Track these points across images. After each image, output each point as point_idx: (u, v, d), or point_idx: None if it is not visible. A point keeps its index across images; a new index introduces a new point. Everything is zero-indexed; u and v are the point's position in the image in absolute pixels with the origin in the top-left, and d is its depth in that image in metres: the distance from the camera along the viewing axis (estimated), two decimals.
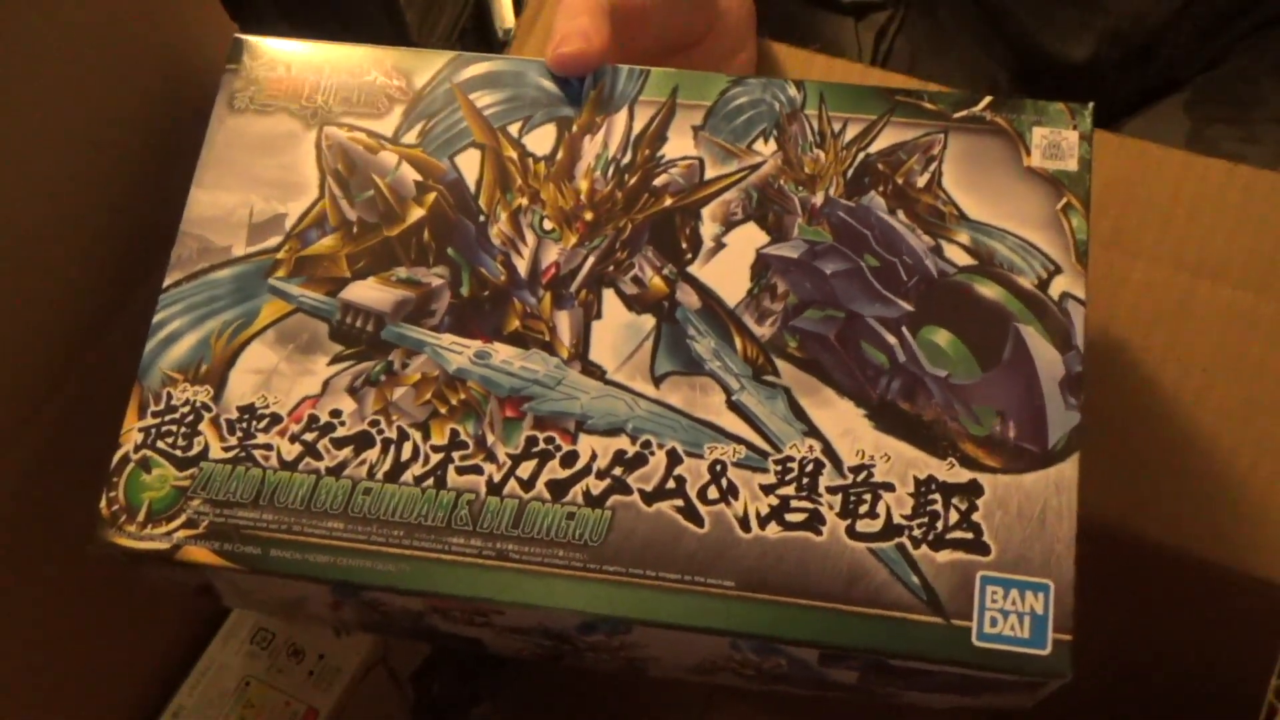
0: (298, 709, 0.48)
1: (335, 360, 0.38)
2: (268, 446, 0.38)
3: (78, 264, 0.44)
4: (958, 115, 0.40)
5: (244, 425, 0.38)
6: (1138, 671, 0.52)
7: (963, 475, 0.36)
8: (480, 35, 1.30)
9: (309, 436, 0.38)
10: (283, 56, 0.43)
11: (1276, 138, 0.62)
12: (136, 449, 0.38)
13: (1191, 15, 0.64)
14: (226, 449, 0.38)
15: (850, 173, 0.39)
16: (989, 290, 0.37)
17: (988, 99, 0.40)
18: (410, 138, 0.41)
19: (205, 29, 0.46)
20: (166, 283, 0.40)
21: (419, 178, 0.40)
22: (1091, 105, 0.39)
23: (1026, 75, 0.68)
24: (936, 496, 0.35)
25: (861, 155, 0.39)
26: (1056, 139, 0.39)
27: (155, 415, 0.38)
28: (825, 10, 0.69)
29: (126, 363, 0.41)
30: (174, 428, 0.38)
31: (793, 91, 0.41)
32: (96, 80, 0.42)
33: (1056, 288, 0.37)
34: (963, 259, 0.38)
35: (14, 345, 0.41)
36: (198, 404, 0.38)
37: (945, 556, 0.35)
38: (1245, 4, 0.64)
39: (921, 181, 0.39)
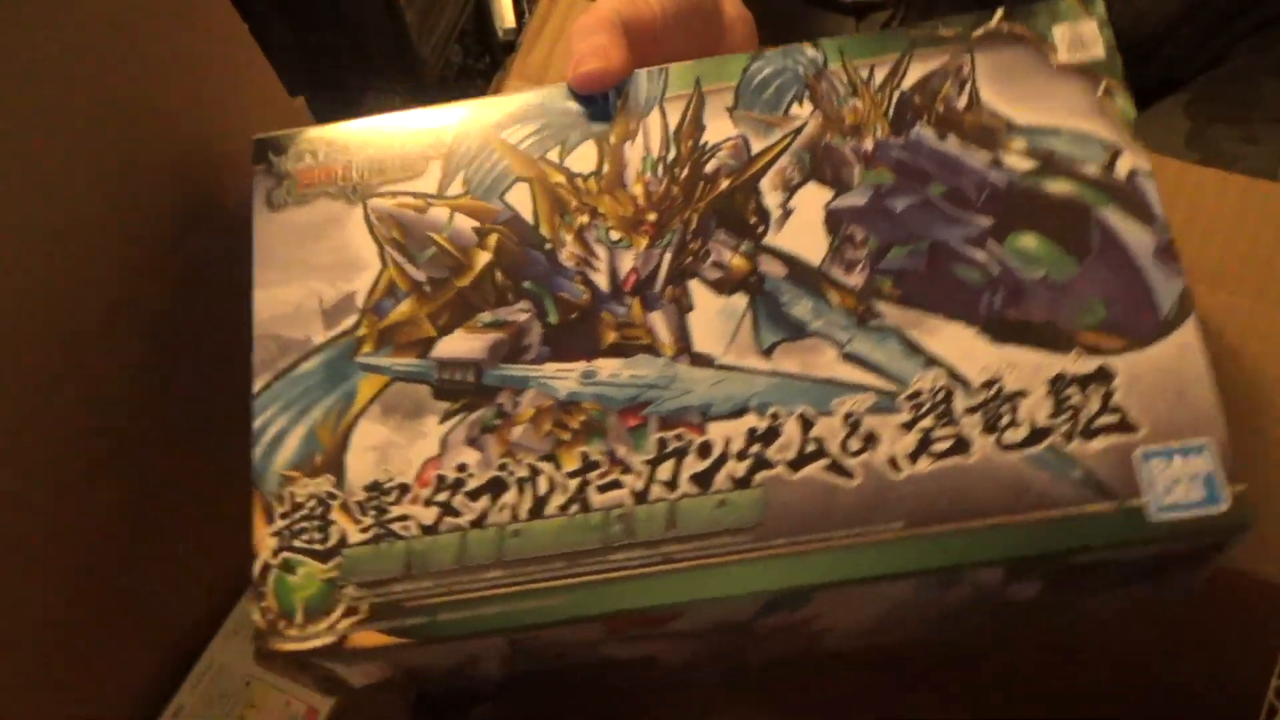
0: (298, 708, 0.47)
1: (445, 418, 0.38)
2: (404, 517, 0.37)
3: (83, 270, 0.43)
4: (976, 34, 0.40)
5: (375, 503, 0.37)
6: (1138, 671, 0.53)
7: (1090, 364, 0.36)
8: (480, 35, 1.30)
9: (441, 497, 0.37)
10: (307, 145, 0.43)
11: (1276, 138, 0.62)
12: (275, 554, 0.37)
13: (1192, 15, 0.65)
14: (364, 530, 0.37)
15: (891, 113, 0.40)
16: (1060, 186, 0.38)
17: (1000, 11, 0.41)
18: (455, 188, 0.41)
19: (226, 45, 0.46)
20: (256, 387, 0.40)
21: (476, 224, 0.41)
22: None
23: None
24: (1072, 390, 0.36)
25: (897, 94, 0.40)
26: (1078, 31, 0.40)
27: (284, 517, 0.38)
28: (825, 10, 0.69)
29: (128, 363, 0.41)
30: (306, 524, 0.38)
31: (812, 52, 0.41)
32: (116, 96, 0.42)
33: (1123, 167, 0.38)
34: (1024, 164, 0.38)
35: (15, 345, 0.40)
36: (323, 495, 0.38)
37: (1099, 444, 0.35)
38: (1245, 4, 0.65)
39: (962, 103, 0.40)
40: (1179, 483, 0.34)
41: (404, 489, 0.38)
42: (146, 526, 0.48)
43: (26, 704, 0.44)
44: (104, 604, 0.46)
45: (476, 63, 1.31)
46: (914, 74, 0.40)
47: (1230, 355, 0.45)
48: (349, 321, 0.40)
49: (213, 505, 0.52)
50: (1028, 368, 0.36)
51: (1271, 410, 0.44)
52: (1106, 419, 0.35)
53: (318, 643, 0.36)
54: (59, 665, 0.46)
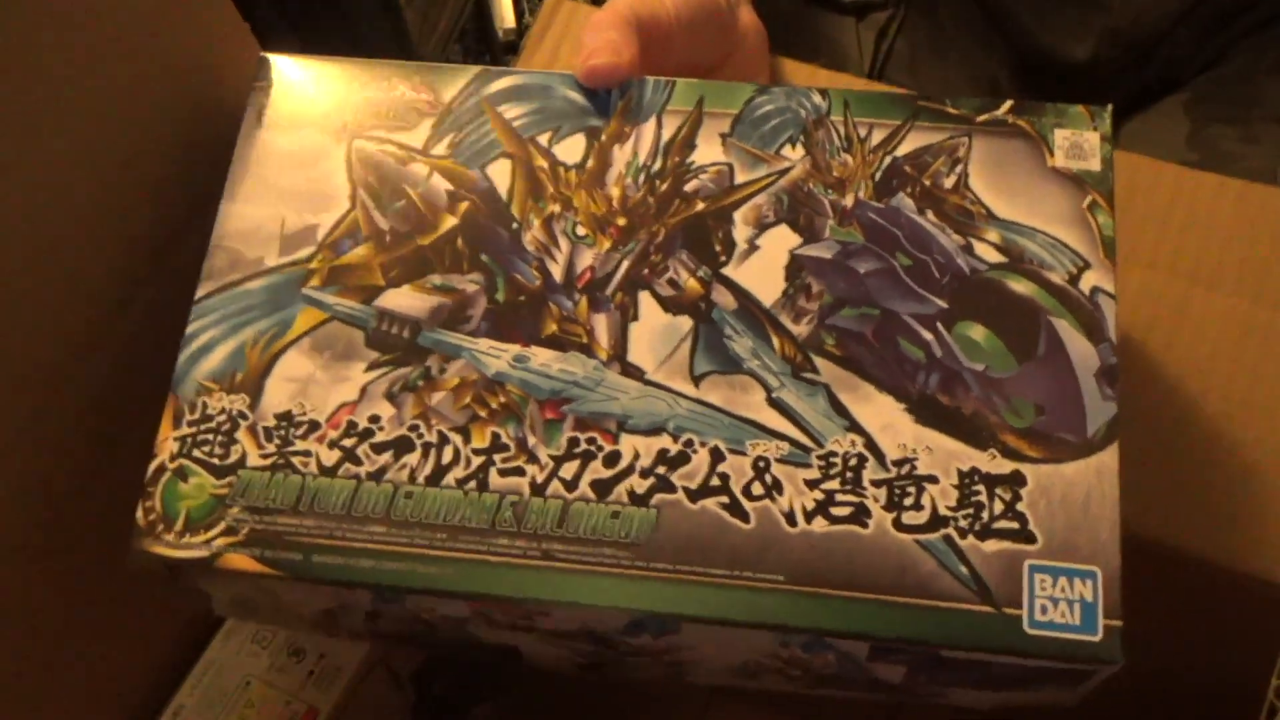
0: (298, 709, 0.47)
1: (372, 367, 0.38)
2: (306, 453, 0.37)
3: (86, 261, 0.43)
4: (980, 119, 0.40)
5: (282, 433, 0.38)
6: (1137, 671, 0.52)
7: (1005, 466, 0.36)
8: (480, 35, 1.31)
9: (348, 442, 0.37)
10: (310, 74, 0.43)
11: (1275, 137, 0.63)
12: (173, 458, 0.38)
13: (1191, 15, 0.65)
14: (265, 456, 0.37)
15: (878, 175, 0.40)
16: (1021, 286, 0.38)
17: (1008, 103, 0.41)
18: (440, 149, 0.41)
19: (228, 44, 0.47)
20: (199, 294, 0.40)
21: (450, 187, 0.41)
22: (1110, 107, 0.40)
23: (1027, 75, 0.69)
24: (980, 487, 0.36)
25: (888, 159, 0.40)
26: (1078, 140, 0.40)
27: (191, 425, 0.38)
28: (826, 10, 0.69)
29: (129, 362, 0.41)
30: (210, 436, 0.38)
31: (817, 99, 0.41)
32: (118, 92, 0.42)
33: (1087, 282, 0.38)
34: (994, 256, 0.38)
35: (16, 345, 0.40)
36: (234, 412, 0.38)
37: (992, 546, 0.35)
38: (1244, 3, 0.65)
39: (949, 183, 0.40)
40: (1059, 603, 0.34)
41: (314, 426, 0.38)
42: None
43: (26, 704, 0.45)
44: (104, 604, 0.46)
45: (476, 63, 1.31)
46: (910, 143, 0.40)
47: (1228, 356, 0.46)
48: (305, 252, 0.40)
49: None
50: (943, 454, 0.36)
51: (1268, 410, 0.45)
52: (1006, 523, 0.35)
53: (191, 554, 0.36)
54: (59, 665, 0.46)
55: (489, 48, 1.33)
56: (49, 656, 0.45)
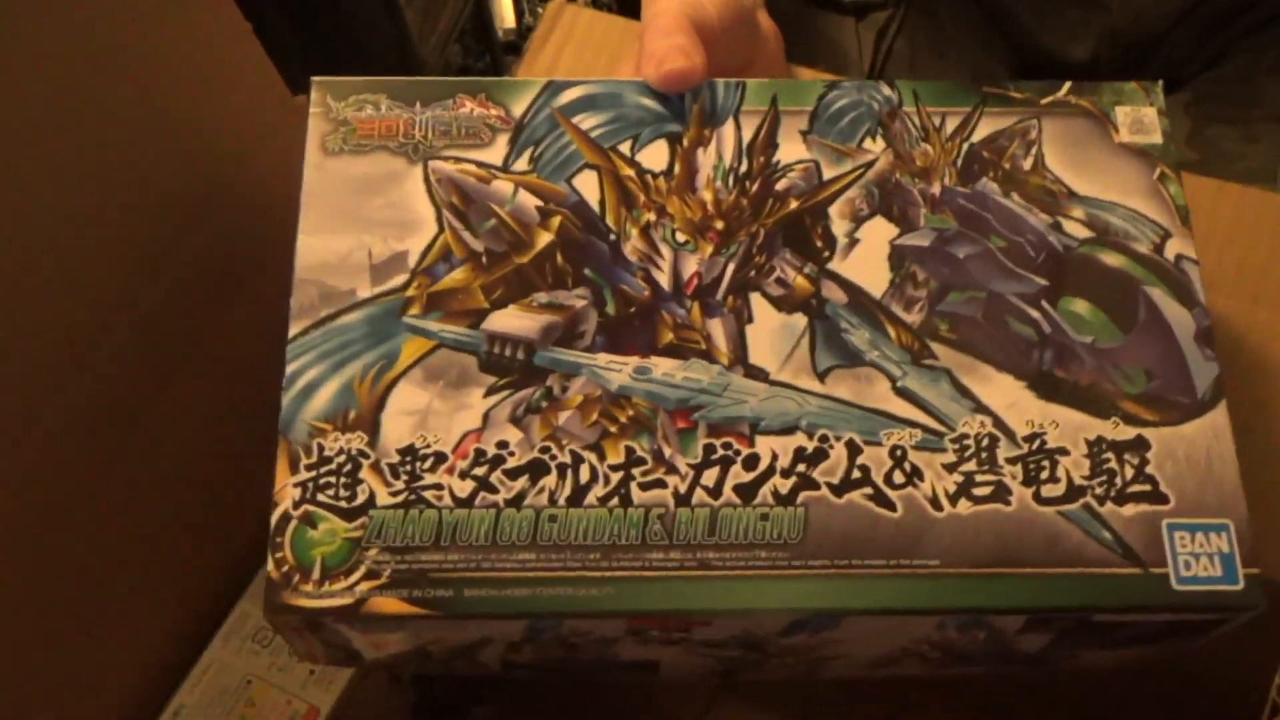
0: (299, 708, 0.47)
1: (491, 392, 0.37)
2: (438, 486, 0.36)
3: (86, 262, 0.42)
4: (1044, 101, 0.42)
5: (408, 468, 0.36)
6: (1136, 670, 0.55)
7: (1129, 432, 0.37)
8: (480, 35, 1.28)
9: (479, 471, 0.36)
10: (369, 95, 0.41)
11: (1276, 137, 0.65)
12: (296, 505, 0.36)
13: (1191, 15, 0.67)
14: (394, 494, 0.36)
15: (959, 162, 0.41)
16: (1113, 259, 0.40)
17: (1067, 84, 0.42)
18: (521, 165, 0.41)
19: (227, 46, 0.46)
20: (292, 332, 0.38)
21: (540, 203, 0.40)
22: (1161, 83, 0.42)
23: (1027, 75, 0.71)
24: (1110, 455, 0.37)
25: (966, 145, 0.41)
26: (1139, 116, 0.42)
27: (309, 469, 0.36)
28: (826, 10, 0.70)
29: (128, 363, 0.40)
30: (333, 479, 0.36)
31: (887, 91, 0.42)
32: (118, 93, 0.41)
33: (1171, 250, 0.40)
34: (1082, 232, 0.40)
35: (20, 342, 0.39)
36: (353, 452, 0.37)
37: (1130, 510, 0.36)
38: (1244, 3, 0.68)
39: (1027, 164, 0.41)
40: (1200, 558, 0.36)
41: (440, 458, 0.37)
42: (146, 526, 0.47)
43: (27, 704, 0.44)
44: (104, 603, 0.45)
45: (476, 62, 1.30)
46: (984, 129, 0.41)
47: (1228, 355, 0.47)
48: (399, 280, 0.39)
49: (213, 506, 0.50)
50: (1070, 427, 0.37)
51: (1269, 410, 0.47)
52: (1139, 487, 0.37)
53: (334, 602, 0.35)
54: (59, 665, 0.45)
55: (489, 48, 1.31)
56: (49, 655, 0.45)
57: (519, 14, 1.35)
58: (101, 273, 0.42)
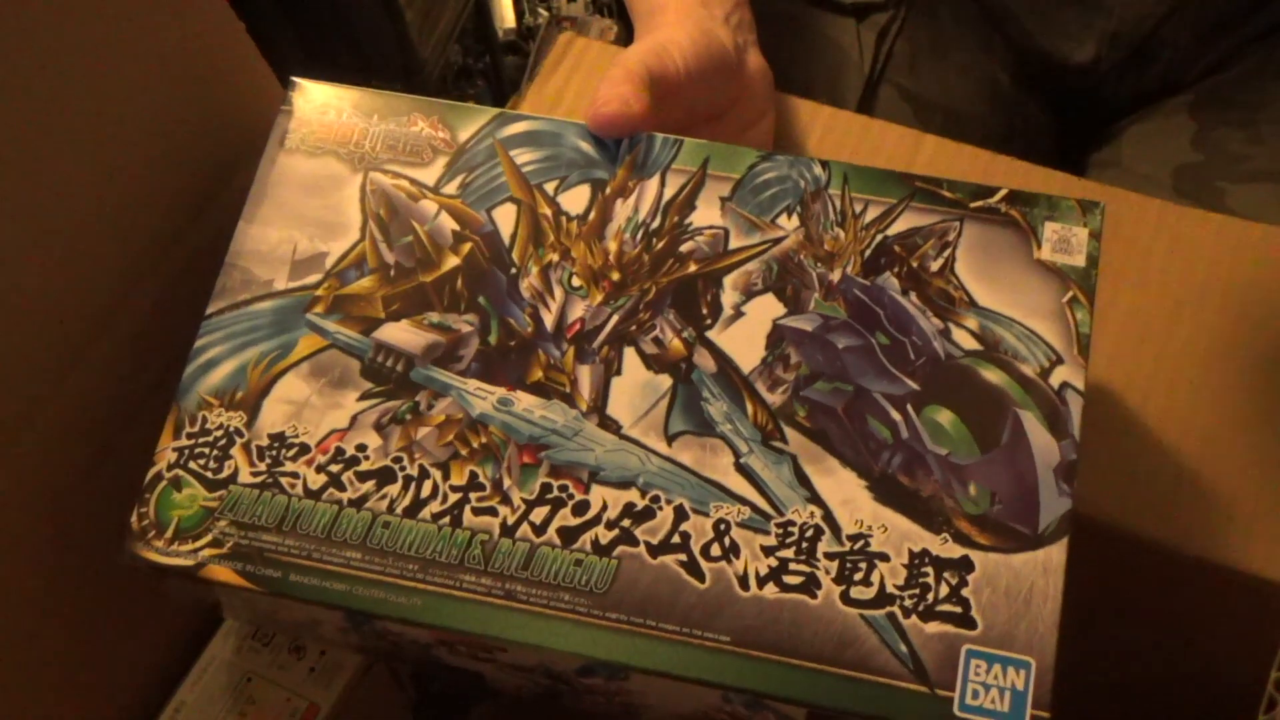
0: (299, 705, 0.48)
1: (365, 396, 0.40)
2: (295, 475, 0.39)
3: (85, 262, 0.44)
4: (974, 205, 0.42)
5: (273, 453, 0.40)
6: (1136, 669, 0.54)
7: (955, 551, 0.37)
8: (480, 35, 1.31)
9: (334, 468, 0.39)
10: (335, 101, 0.45)
11: None
12: (170, 468, 0.40)
13: (1191, 19, 0.65)
14: (255, 474, 0.39)
15: (868, 253, 0.41)
16: (992, 375, 0.39)
17: (1004, 190, 0.42)
18: (451, 188, 0.43)
19: (226, 47, 0.48)
20: (210, 310, 0.42)
21: (456, 227, 0.42)
22: (1103, 205, 0.41)
23: (1027, 77, 0.70)
24: (929, 569, 0.37)
25: (880, 237, 0.41)
26: (1067, 234, 0.41)
27: (190, 437, 0.40)
28: (826, 11, 0.69)
29: (126, 361, 0.41)
30: (207, 450, 0.40)
31: (818, 170, 0.43)
32: (117, 94, 0.43)
33: (1057, 377, 0.39)
34: (969, 343, 0.40)
35: (17, 342, 0.41)
36: (231, 429, 0.40)
37: (933, 628, 0.36)
38: (1246, 9, 0.65)
39: (935, 266, 0.41)
40: (990, 689, 0.36)
41: (304, 449, 0.40)
42: None
43: (27, 703, 0.46)
44: (104, 602, 0.46)
45: (476, 63, 1.32)
46: (903, 223, 0.42)
47: (1218, 369, 0.49)
48: (313, 278, 0.42)
49: None
50: (897, 534, 0.37)
51: (1258, 418, 0.47)
52: (949, 607, 0.37)
53: (178, 561, 0.39)
54: (59, 664, 0.47)
55: (489, 48, 1.34)
56: (49, 654, 0.47)
57: (519, 14, 1.35)
58: (98, 272, 0.44)
